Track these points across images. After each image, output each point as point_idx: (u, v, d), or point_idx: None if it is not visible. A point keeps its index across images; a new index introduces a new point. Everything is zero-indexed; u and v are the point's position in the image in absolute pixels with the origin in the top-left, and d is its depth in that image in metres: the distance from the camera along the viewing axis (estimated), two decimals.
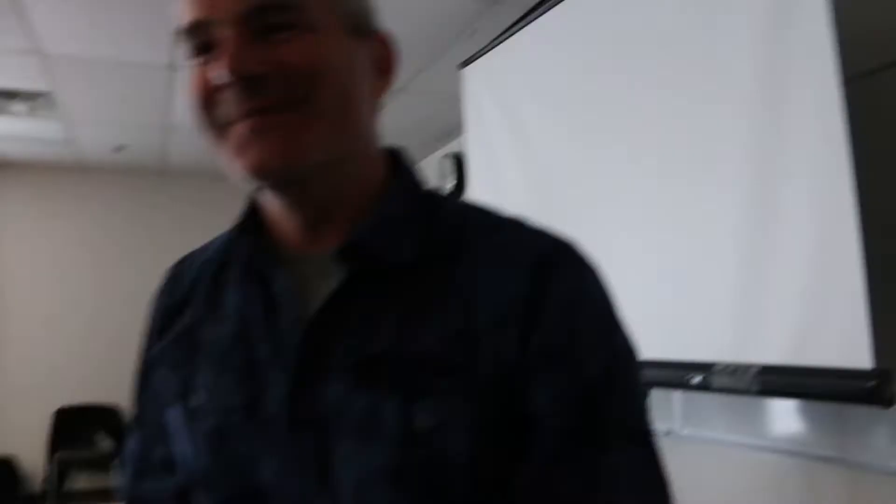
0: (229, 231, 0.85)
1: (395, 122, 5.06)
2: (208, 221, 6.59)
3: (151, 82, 4.41)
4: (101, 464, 6.34)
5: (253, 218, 0.82)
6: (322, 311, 0.73)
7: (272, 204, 0.79)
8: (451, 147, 5.21)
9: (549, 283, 0.71)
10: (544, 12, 2.96)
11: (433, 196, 0.82)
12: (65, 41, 3.80)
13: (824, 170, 1.93)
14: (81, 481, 6.46)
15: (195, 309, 0.84)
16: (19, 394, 6.44)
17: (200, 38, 0.72)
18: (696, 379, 2.24)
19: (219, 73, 0.69)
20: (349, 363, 0.71)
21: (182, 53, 0.74)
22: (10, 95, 4.63)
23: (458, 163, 4.90)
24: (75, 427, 6.45)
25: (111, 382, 6.53)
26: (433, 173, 5.23)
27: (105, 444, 6.43)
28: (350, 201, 0.78)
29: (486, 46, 3.38)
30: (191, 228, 6.76)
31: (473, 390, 0.69)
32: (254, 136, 0.70)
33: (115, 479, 5.89)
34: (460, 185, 4.86)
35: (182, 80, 4.32)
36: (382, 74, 0.79)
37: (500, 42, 3.26)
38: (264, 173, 0.71)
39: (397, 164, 0.82)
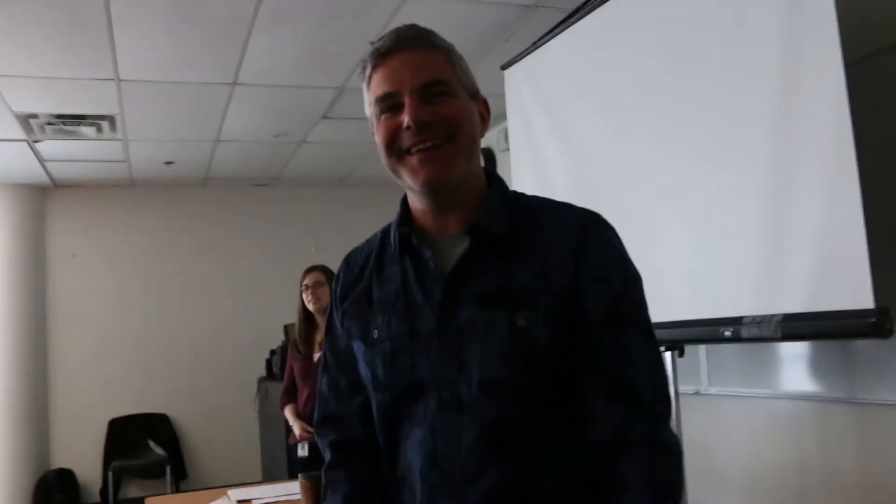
0: (385, 228, 1.33)
1: None
2: (246, 226, 7.02)
3: (210, 99, 4.75)
4: (153, 471, 6.63)
5: (404, 215, 1.28)
6: (457, 267, 1.20)
7: (417, 203, 1.26)
8: (482, 142, 5.66)
9: (587, 237, 1.19)
10: (580, 18, 3.33)
11: (515, 193, 1.31)
12: (140, 68, 4.14)
13: (832, 145, 2.28)
14: (133, 489, 6.75)
15: (367, 280, 1.30)
16: (74, 407, 6.71)
17: (391, 101, 1.18)
18: (728, 331, 2.60)
19: (405, 120, 1.16)
20: (475, 295, 1.18)
21: (373, 111, 1.22)
22: (78, 119, 4.96)
23: (488, 156, 5.54)
24: (127, 436, 6.73)
25: (160, 392, 6.92)
26: None
27: (156, 451, 6.70)
28: (466, 199, 1.24)
29: (526, 49, 3.73)
30: (231, 234, 7.18)
31: (549, 302, 1.16)
32: (423, 163, 1.17)
33: (166, 485, 6.23)
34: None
35: (241, 95, 4.68)
36: (483, 123, 1.28)
37: (540, 45, 3.62)
38: (430, 185, 1.18)
39: (490, 176, 1.30)
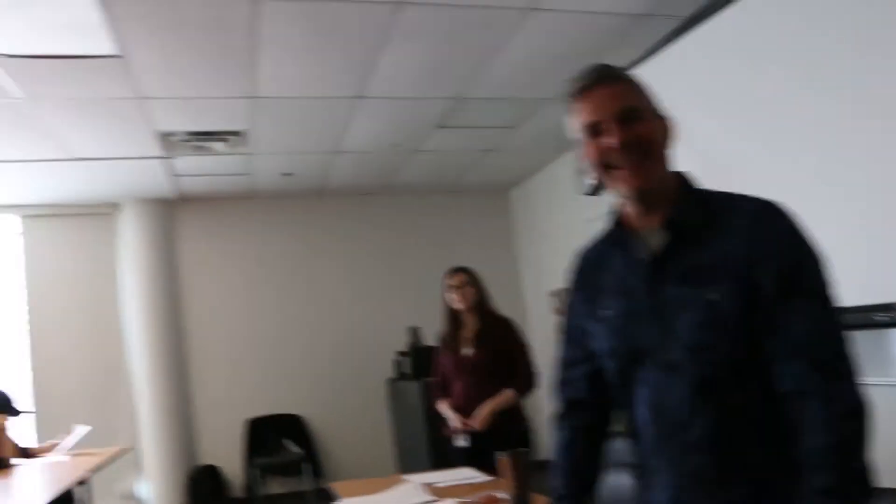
0: (606, 228, 1.60)
1: (550, 126, 5.47)
2: (359, 234, 7.25)
3: (336, 112, 4.92)
4: (291, 468, 6.92)
5: (617, 217, 1.57)
6: (660, 253, 1.46)
7: (626, 206, 1.53)
8: None
9: (760, 222, 1.40)
10: (695, 26, 3.38)
11: (702, 190, 1.53)
12: (277, 85, 4.34)
13: None
14: (274, 486, 7.04)
15: (596, 270, 1.62)
16: (215, 409, 7.05)
17: (595, 128, 1.46)
18: (883, 317, 2.61)
19: (610, 142, 1.44)
20: (676, 274, 1.44)
21: (581, 135, 1.49)
22: (210, 135, 5.20)
23: None
24: (264, 436, 7.03)
25: (292, 395, 7.21)
26: (572, 170, 5.71)
27: (292, 450, 6.96)
28: (663, 199, 1.49)
29: (640, 56, 3.78)
30: (346, 242, 7.43)
31: (732, 278, 1.38)
32: (630, 175, 1.45)
33: (305, 482, 6.46)
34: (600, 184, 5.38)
35: (364, 107, 4.85)
36: (669, 138, 1.51)
37: (655, 52, 3.68)
38: (638, 191, 1.46)
39: (682, 177, 1.54)
